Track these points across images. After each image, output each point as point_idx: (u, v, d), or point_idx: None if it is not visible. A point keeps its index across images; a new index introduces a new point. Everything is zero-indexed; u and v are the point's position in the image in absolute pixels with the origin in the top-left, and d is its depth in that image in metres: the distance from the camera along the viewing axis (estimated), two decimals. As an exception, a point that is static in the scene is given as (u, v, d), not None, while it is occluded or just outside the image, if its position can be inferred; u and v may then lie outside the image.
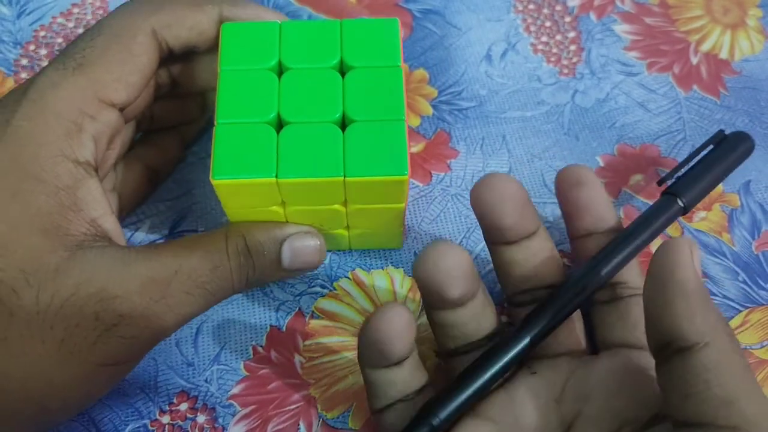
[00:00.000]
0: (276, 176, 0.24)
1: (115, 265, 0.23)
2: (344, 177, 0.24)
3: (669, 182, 0.28)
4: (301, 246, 0.26)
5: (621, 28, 0.38)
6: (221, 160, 0.24)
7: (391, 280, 0.30)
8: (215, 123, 0.25)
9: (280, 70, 0.26)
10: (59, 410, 0.24)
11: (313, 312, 0.29)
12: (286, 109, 0.25)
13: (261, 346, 0.29)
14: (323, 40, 0.26)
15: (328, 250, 0.30)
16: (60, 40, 0.37)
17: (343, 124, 0.25)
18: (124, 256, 0.23)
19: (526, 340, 0.24)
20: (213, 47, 0.27)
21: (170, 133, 0.32)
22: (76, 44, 0.25)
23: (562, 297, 0.24)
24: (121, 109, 0.25)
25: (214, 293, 0.25)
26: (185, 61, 0.29)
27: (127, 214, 0.31)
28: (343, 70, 0.26)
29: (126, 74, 0.25)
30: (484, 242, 0.31)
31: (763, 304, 0.30)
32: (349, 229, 0.28)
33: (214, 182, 0.24)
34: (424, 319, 0.29)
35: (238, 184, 0.24)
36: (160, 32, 0.26)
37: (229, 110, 0.25)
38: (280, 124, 0.25)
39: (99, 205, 0.24)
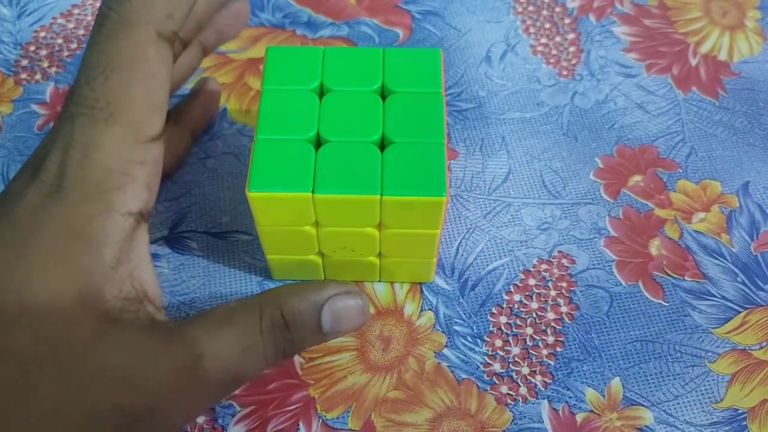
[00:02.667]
0: (312, 192, 0.24)
1: (140, 351, 0.22)
2: (381, 196, 0.24)
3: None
4: (343, 308, 0.24)
5: (620, 29, 0.38)
6: (258, 173, 0.24)
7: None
8: (255, 138, 0.25)
9: (322, 93, 0.26)
10: None
11: (312, 312, 0.29)
12: (326, 128, 0.25)
13: (261, 347, 0.29)
14: (365, 65, 0.26)
15: (357, 281, 0.30)
16: (60, 40, 0.37)
17: (382, 145, 0.25)
18: (148, 341, 0.22)
19: None
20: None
21: (177, 129, 0.31)
22: (93, 87, 0.23)
23: None
24: (161, 136, 0.24)
25: (244, 375, 0.23)
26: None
27: None
28: (384, 94, 0.26)
29: (155, 102, 0.24)
30: (483, 242, 0.31)
31: (762, 305, 0.30)
32: (381, 257, 0.28)
33: (250, 195, 0.24)
34: (423, 320, 0.29)
35: (273, 198, 0.24)
36: (164, 29, 0.24)
37: (270, 126, 0.25)
38: (319, 143, 0.25)
39: (141, 256, 0.23)
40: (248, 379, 0.24)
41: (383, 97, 0.26)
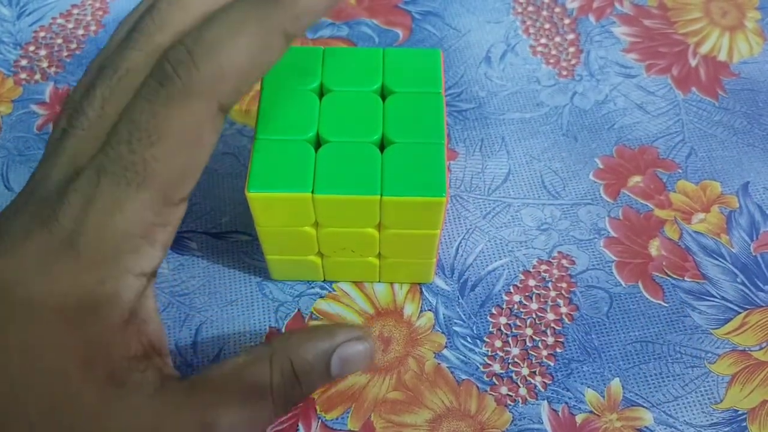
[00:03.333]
0: (312, 192, 0.24)
1: (147, 420, 0.21)
2: (381, 196, 0.24)
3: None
4: (352, 353, 0.24)
5: (620, 30, 0.38)
6: (258, 173, 0.24)
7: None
8: (254, 138, 0.25)
9: (321, 93, 0.26)
10: None
11: (312, 313, 0.29)
12: (325, 128, 0.25)
13: (260, 347, 0.29)
14: (365, 66, 0.26)
15: (357, 282, 0.30)
16: (60, 40, 0.37)
17: (382, 145, 0.25)
18: (159, 406, 0.21)
19: None
20: None
21: None
22: (135, 147, 0.20)
23: None
24: (189, 195, 0.23)
25: None
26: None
27: None
28: (384, 94, 0.26)
29: (194, 170, 0.22)
30: (483, 243, 0.31)
31: (761, 306, 0.30)
32: (381, 258, 0.28)
33: (249, 195, 0.24)
34: (423, 320, 0.29)
35: (272, 198, 0.24)
36: (227, 103, 0.21)
37: (269, 127, 0.25)
38: (318, 143, 0.25)
39: (148, 312, 0.23)
40: None
41: (383, 98, 0.26)
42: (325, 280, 0.29)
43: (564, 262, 0.31)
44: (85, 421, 0.20)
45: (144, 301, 0.23)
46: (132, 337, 0.22)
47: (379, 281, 0.30)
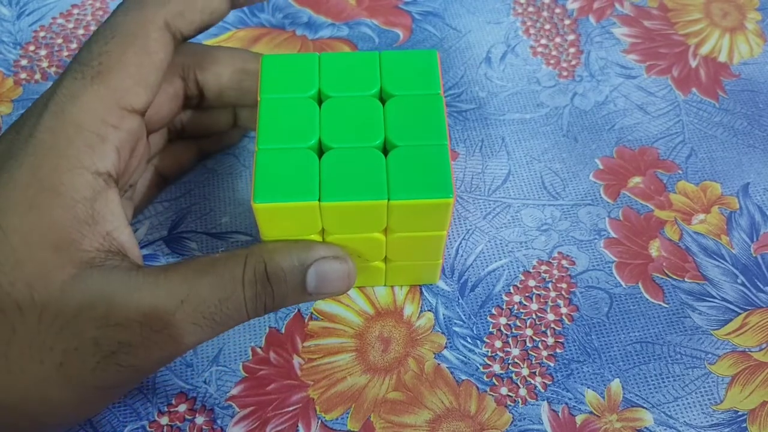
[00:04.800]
0: (319, 200, 0.23)
1: (119, 290, 0.22)
2: (388, 200, 0.24)
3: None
4: (330, 270, 0.25)
5: (620, 31, 0.38)
6: (263, 184, 0.24)
7: (390, 281, 0.30)
8: (255, 149, 0.24)
9: (320, 99, 0.26)
10: (55, 425, 0.24)
11: (312, 313, 0.29)
12: (327, 135, 0.25)
13: (260, 348, 0.28)
14: (362, 70, 0.26)
15: (362, 287, 0.30)
16: (60, 40, 0.37)
17: (385, 149, 0.25)
18: (131, 281, 0.23)
19: None
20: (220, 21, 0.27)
21: (187, 143, 0.31)
22: (91, 49, 0.24)
23: None
24: (143, 113, 0.25)
25: (223, 323, 0.24)
26: (213, 75, 0.28)
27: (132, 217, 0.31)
28: (383, 98, 0.26)
29: (144, 76, 0.24)
30: (483, 243, 0.31)
31: (761, 307, 0.30)
32: (388, 261, 0.28)
33: (256, 206, 0.23)
34: (423, 321, 0.29)
35: (279, 208, 0.23)
36: (173, 23, 0.25)
37: (270, 136, 0.25)
38: (321, 150, 0.25)
39: (115, 218, 0.24)
40: (228, 327, 0.24)
41: (382, 101, 0.26)
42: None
43: (564, 262, 0.31)
44: (58, 295, 0.22)
45: (110, 208, 0.24)
46: (103, 237, 0.23)
47: (384, 285, 0.30)
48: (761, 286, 0.30)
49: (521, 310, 0.29)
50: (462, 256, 0.31)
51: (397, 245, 0.26)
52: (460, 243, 0.31)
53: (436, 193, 0.24)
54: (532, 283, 0.30)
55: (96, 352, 0.22)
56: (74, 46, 0.37)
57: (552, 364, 0.28)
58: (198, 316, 0.23)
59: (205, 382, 0.28)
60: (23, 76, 0.36)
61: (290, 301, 0.25)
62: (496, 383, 0.28)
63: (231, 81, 0.29)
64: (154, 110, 0.27)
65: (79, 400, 0.23)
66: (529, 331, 0.29)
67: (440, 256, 0.27)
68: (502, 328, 0.29)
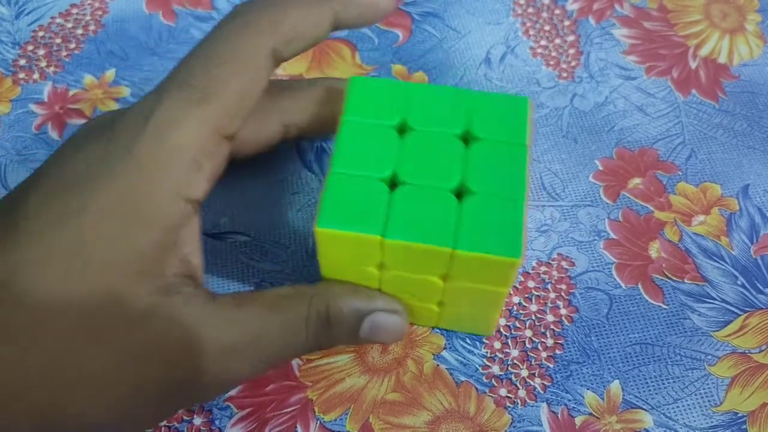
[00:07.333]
0: (382, 235, 0.23)
1: (197, 321, 0.22)
2: (453, 249, 0.22)
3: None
4: (384, 323, 0.25)
5: (620, 32, 0.38)
6: (329, 209, 0.23)
7: (389, 282, 0.30)
8: (329, 171, 0.24)
9: (402, 129, 0.25)
10: None
11: (311, 314, 0.29)
12: (403, 168, 0.24)
13: (258, 348, 0.28)
14: (450, 106, 0.25)
15: (414, 324, 0.29)
16: (59, 40, 0.37)
17: (459, 193, 0.24)
18: (208, 314, 0.22)
19: None
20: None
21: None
22: (194, 69, 0.23)
23: None
24: (233, 138, 0.24)
25: (282, 359, 0.24)
26: (309, 116, 0.28)
27: None
28: (466, 138, 0.25)
29: (246, 104, 0.24)
30: (482, 245, 0.31)
31: (761, 308, 0.30)
32: (442, 306, 0.27)
33: (318, 230, 0.23)
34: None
35: (341, 236, 0.23)
36: (279, 50, 0.24)
37: (346, 160, 0.24)
38: (394, 183, 0.24)
39: (194, 241, 0.23)
40: (285, 363, 0.25)
41: (465, 141, 0.25)
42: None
43: (563, 263, 0.30)
44: (134, 325, 0.21)
45: (191, 233, 0.23)
46: (181, 262, 0.23)
47: (436, 327, 0.29)
48: (761, 288, 0.30)
49: (520, 311, 0.29)
50: (461, 256, 0.31)
51: (454, 293, 0.25)
52: (460, 244, 0.31)
53: (503, 251, 0.22)
54: (531, 284, 0.30)
55: (158, 388, 0.22)
56: (73, 45, 0.37)
57: (551, 366, 0.28)
58: (264, 355, 0.23)
59: (203, 382, 0.28)
60: (22, 75, 0.36)
61: (342, 342, 0.26)
62: (496, 384, 0.28)
63: (321, 115, 0.29)
64: (251, 147, 0.28)
65: (124, 419, 0.22)
66: (528, 332, 0.29)
67: (498, 311, 0.26)
68: (501, 329, 0.29)
